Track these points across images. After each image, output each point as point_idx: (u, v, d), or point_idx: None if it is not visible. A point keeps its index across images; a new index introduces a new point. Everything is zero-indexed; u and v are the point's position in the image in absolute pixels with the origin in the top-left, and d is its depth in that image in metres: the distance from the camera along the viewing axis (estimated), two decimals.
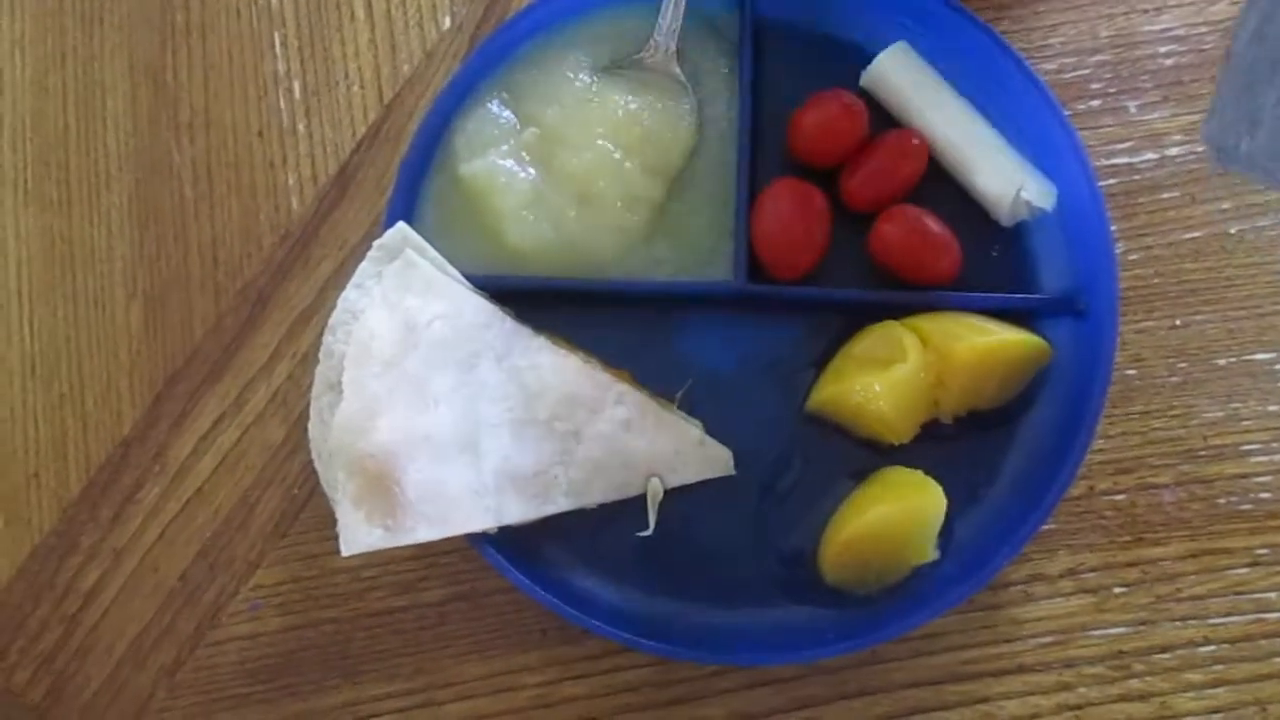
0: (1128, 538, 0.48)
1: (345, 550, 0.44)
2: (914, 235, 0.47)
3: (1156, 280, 0.50)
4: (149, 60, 0.55)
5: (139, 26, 0.56)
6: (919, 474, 0.46)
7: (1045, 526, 0.48)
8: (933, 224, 0.47)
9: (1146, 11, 0.52)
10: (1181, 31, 0.51)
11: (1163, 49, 0.51)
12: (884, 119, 0.49)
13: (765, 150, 0.49)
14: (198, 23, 0.56)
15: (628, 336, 0.49)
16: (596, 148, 0.47)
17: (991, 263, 0.49)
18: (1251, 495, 0.48)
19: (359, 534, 0.44)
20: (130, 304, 0.53)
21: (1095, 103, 0.51)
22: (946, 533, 0.46)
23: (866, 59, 0.49)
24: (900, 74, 0.48)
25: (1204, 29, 0.51)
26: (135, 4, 0.56)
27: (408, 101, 0.54)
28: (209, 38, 0.55)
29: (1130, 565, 0.48)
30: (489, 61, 0.49)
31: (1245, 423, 0.49)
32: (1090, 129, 0.51)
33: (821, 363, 0.48)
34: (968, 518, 0.47)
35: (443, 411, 0.45)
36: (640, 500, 0.47)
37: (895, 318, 0.47)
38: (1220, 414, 0.49)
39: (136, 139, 0.55)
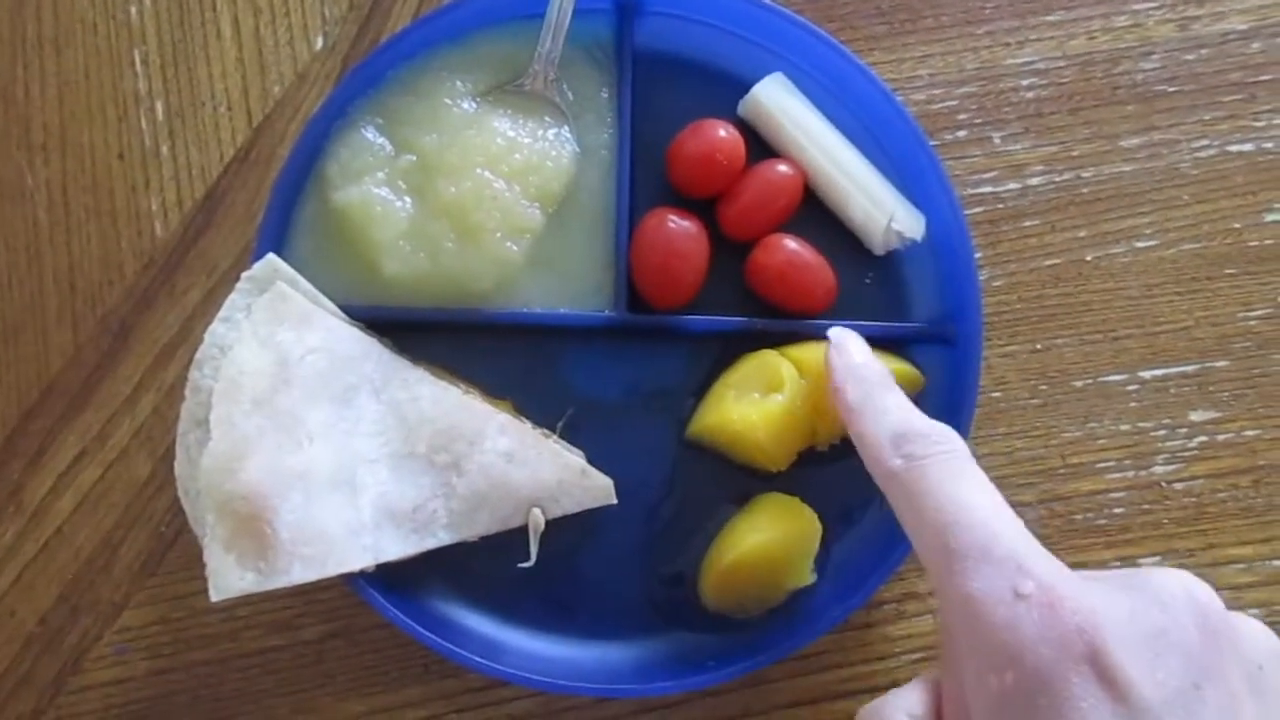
0: None
1: (215, 596, 0.42)
2: (788, 266, 0.48)
3: (1019, 305, 0.52)
4: None
5: None
6: (795, 501, 0.47)
7: None
8: (807, 254, 0.48)
9: (1009, 45, 0.54)
10: (1042, 65, 0.54)
11: (1024, 82, 0.53)
12: (762, 147, 0.50)
13: (645, 179, 0.49)
14: (51, 36, 0.53)
15: (508, 366, 0.48)
16: (475, 176, 0.47)
17: (865, 291, 0.50)
18: (1106, 511, 0.51)
19: (230, 578, 0.42)
20: None
21: (962, 133, 0.53)
22: (823, 556, 0.47)
23: (745, 88, 0.49)
24: (776, 104, 0.49)
25: (1063, 63, 0.54)
26: None
27: (278, 124, 0.52)
28: (64, 53, 0.53)
29: None
30: (363, 85, 0.48)
31: (1100, 441, 0.51)
32: (957, 159, 0.53)
33: (701, 391, 0.49)
34: (844, 541, 0.49)
35: (318, 448, 0.44)
36: (522, 532, 0.46)
37: (773, 346, 0.48)
38: (1078, 433, 0.51)
39: None
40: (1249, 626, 0.32)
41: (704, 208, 0.49)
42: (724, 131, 0.48)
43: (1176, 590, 0.31)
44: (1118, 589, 0.31)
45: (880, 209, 0.48)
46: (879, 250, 0.49)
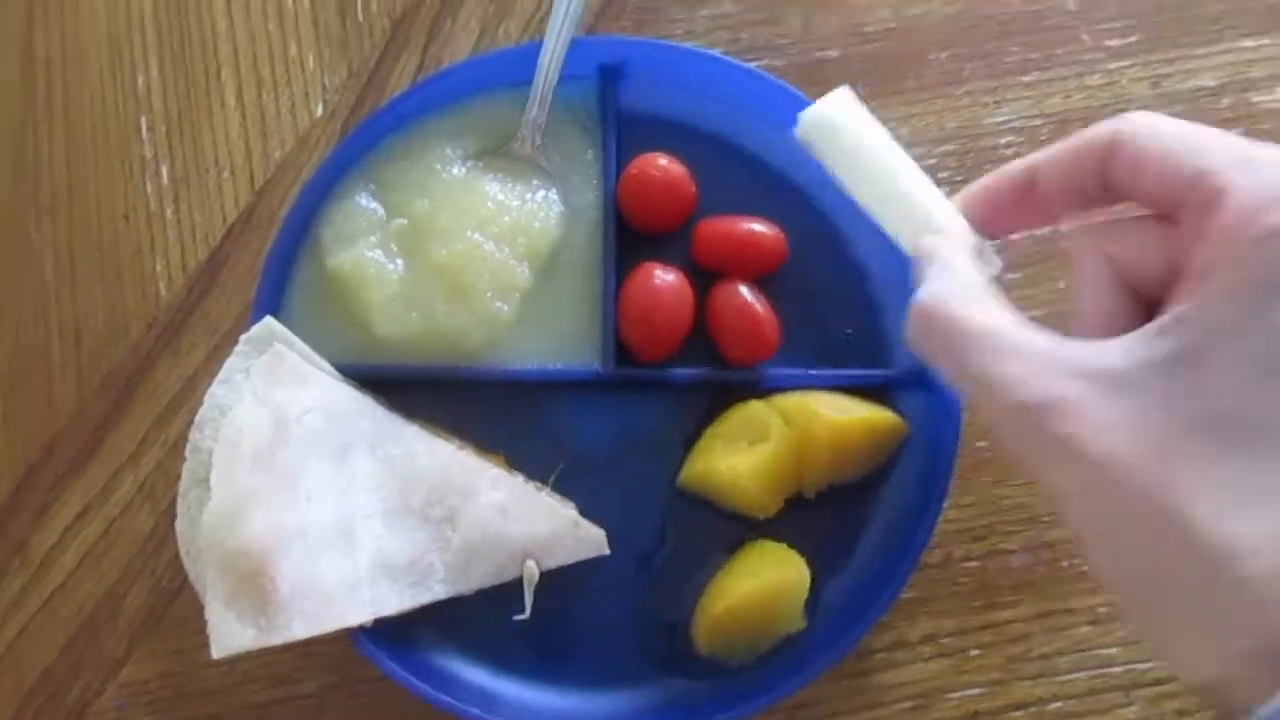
0: (981, 602, 0.51)
1: (216, 653, 0.43)
2: (727, 309, 0.49)
3: None
4: (9, 139, 0.54)
5: None
6: (784, 547, 0.48)
7: (907, 594, 0.50)
8: (751, 302, 0.49)
9: (987, 105, 0.55)
10: (1019, 124, 0.55)
11: (1003, 140, 0.55)
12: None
13: (630, 237, 0.50)
14: (61, 103, 0.55)
15: (500, 421, 0.50)
16: (466, 238, 0.48)
17: (847, 340, 0.51)
18: None
19: (230, 635, 0.43)
20: None
21: (944, 190, 0.54)
22: (814, 601, 0.48)
23: (728, 148, 0.51)
24: (837, 124, 0.42)
25: (1039, 121, 0.55)
26: None
27: (280, 188, 0.54)
28: (72, 118, 0.55)
29: (984, 628, 0.51)
30: (356, 152, 0.50)
31: None
32: None
33: (690, 441, 0.50)
34: (833, 586, 0.49)
35: (316, 505, 0.45)
36: (517, 584, 0.47)
37: (760, 396, 0.49)
38: None
39: None
40: None
41: (681, 243, 0.50)
42: (663, 160, 0.49)
43: None
44: None
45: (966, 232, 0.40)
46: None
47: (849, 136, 0.42)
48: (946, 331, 0.34)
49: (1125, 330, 0.31)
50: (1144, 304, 0.34)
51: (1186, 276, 0.31)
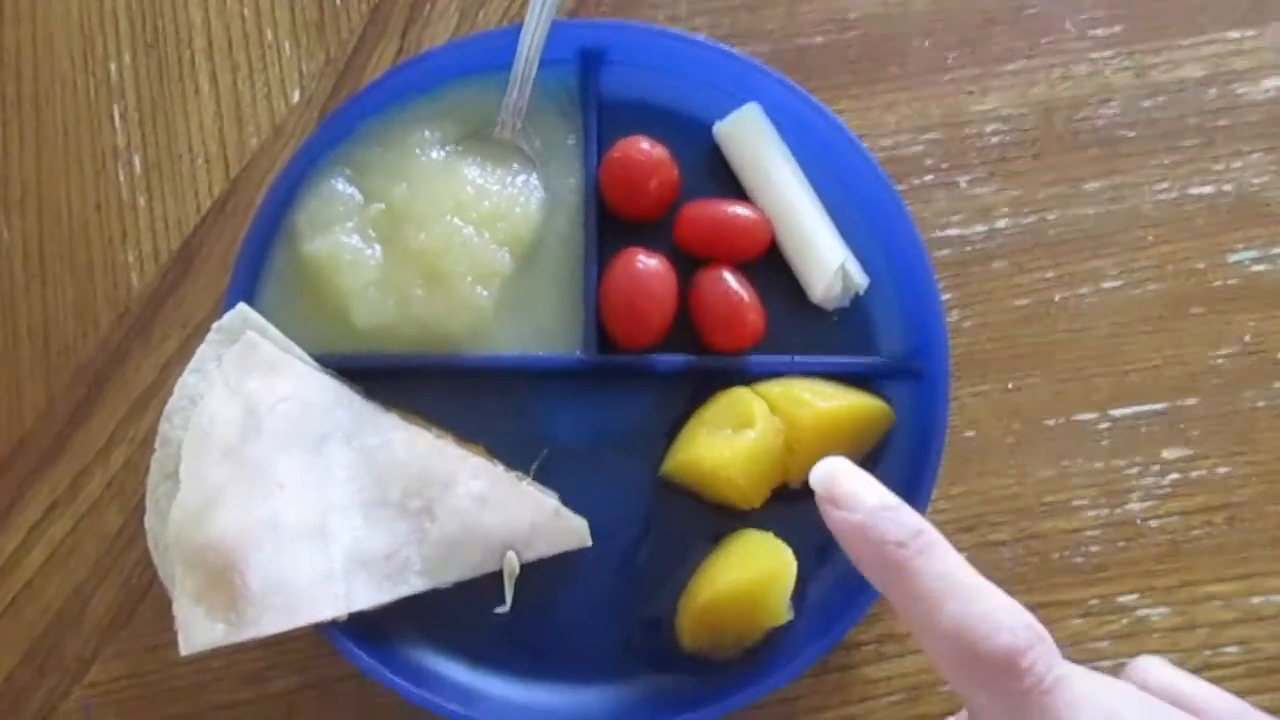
0: None
1: (184, 649, 0.42)
2: (711, 296, 0.48)
3: (990, 345, 0.53)
4: None
5: None
6: (770, 537, 0.47)
7: None
8: (734, 288, 0.48)
9: (972, 93, 0.55)
10: (1005, 112, 0.55)
11: (989, 128, 0.55)
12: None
13: (612, 224, 0.50)
14: (30, 95, 0.54)
15: (480, 411, 0.48)
16: (444, 223, 0.47)
17: (833, 328, 0.50)
18: (1082, 549, 0.51)
19: (199, 631, 0.42)
20: None
21: (929, 177, 0.54)
22: (799, 593, 0.47)
23: (711, 133, 0.51)
24: (745, 138, 0.50)
25: (1025, 110, 0.55)
26: None
27: (255, 175, 0.53)
28: (43, 110, 0.53)
29: None
30: (333, 137, 0.49)
31: (1074, 480, 0.51)
32: (925, 202, 0.54)
33: (674, 430, 0.49)
34: (819, 578, 0.48)
35: (289, 496, 0.44)
36: (497, 578, 0.46)
37: (744, 383, 0.48)
38: (1052, 472, 0.51)
39: None
40: None
41: (664, 230, 0.50)
42: (646, 144, 0.49)
43: None
44: None
45: (824, 264, 0.49)
46: (817, 299, 0.49)
47: (748, 149, 0.50)
48: None
49: None
50: None
51: None
